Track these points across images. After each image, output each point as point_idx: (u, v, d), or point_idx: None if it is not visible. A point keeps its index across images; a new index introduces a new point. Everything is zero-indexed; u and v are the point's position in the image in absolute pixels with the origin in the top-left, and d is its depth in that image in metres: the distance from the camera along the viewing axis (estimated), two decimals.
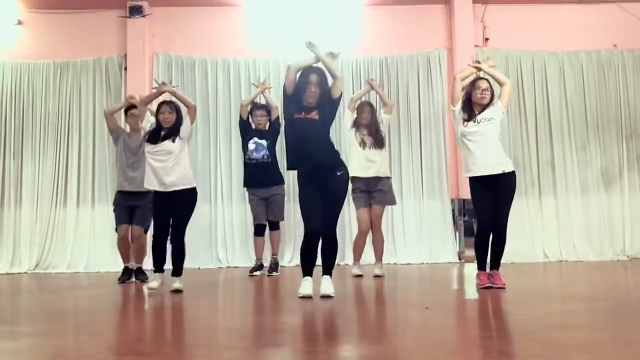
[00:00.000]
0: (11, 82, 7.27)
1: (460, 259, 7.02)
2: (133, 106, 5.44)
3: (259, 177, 5.64)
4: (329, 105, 3.88)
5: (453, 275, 5.81)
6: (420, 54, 7.43)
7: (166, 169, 4.25)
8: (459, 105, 4.30)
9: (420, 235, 7.15)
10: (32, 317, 3.49)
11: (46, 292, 4.90)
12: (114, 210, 5.54)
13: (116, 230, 5.57)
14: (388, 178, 5.50)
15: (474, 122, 4.23)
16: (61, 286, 5.41)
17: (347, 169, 3.96)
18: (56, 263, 6.96)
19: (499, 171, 4.21)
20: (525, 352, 2.25)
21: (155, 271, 4.33)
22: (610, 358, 2.14)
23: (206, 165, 7.16)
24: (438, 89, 7.38)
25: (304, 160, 3.79)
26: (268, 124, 5.78)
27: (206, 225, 7.06)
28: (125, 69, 7.26)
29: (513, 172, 4.32)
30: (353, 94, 6.49)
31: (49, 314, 3.54)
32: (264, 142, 5.67)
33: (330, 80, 3.91)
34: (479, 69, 4.36)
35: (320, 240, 3.73)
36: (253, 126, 5.78)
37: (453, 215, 7.20)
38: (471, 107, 4.26)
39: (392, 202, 5.57)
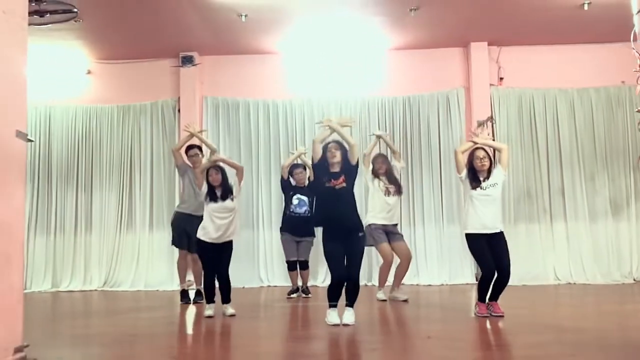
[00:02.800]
0: (82, 123, 8.40)
1: (476, 280, 7.73)
2: (192, 147, 6.37)
3: (298, 228, 6.48)
4: (350, 171, 4.65)
5: (465, 300, 6.53)
6: (440, 93, 8.19)
7: (227, 224, 5.13)
8: (464, 173, 5.00)
9: (440, 258, 7.92)
10: (115, 340, 4.43)
11: (123, 314, 5.91)
12: (173, 231, 6.33)
13: (173, 244, 6.41)
14: (396, 224, 6.18)
15: (482, 189, 4.92)
16: (131, 307, 6.41)
17: (364, 230, 4.70)
18: (121, 281, 8.04)
19: (496, 230, 4.92)
20: None
21: (207, 302, 5.25)
22: None
23: (250, 195, 8.11)
24: (456, 125, 8.12)
25: (332, 222, 4.53)
26: (307, 181, 6.55)
27: (249, 249, 8.02)
28: (179, 111, 8.28)
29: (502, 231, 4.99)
30: (379, 129, 7.28)
31: (128, 336, 4.49)
32: (305, 199, 6.49)
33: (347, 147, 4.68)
34: (475, 142, 5.06)
35: (346, 283, 4.52)
36: (294, 183, 6.62)
37: None
38: (475, 174, 4.98)
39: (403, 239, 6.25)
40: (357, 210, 4.63)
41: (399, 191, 6.13)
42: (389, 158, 6.38)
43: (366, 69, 8.30)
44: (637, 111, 3.61)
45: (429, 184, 8.08)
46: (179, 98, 8.31)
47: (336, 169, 4.59)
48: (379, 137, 6.40)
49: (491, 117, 7.75)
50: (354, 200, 4.63)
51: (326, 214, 4.59)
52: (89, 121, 8.40)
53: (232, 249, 5.26)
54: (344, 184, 4.54)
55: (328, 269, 4.73)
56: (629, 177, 7.91)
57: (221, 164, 5.31)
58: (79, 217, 8.23)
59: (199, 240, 5.18)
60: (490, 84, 8.12)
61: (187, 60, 8.23)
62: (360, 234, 4.60)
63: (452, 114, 8.15)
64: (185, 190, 6.48)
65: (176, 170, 6.83)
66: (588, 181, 7.93)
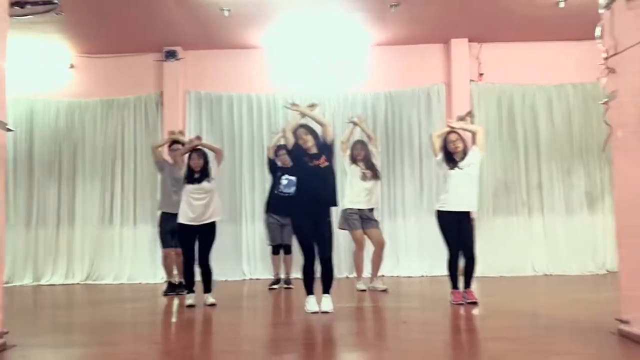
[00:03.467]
0: (65, 118, 8.39)
1: None
2: (175, 142, 6.48)
3: (285, 209, 6.54)
4: (327, 150, 4.78)
5: (443, 290, 6.65)
6: (421, 89, 8.32)
7: (204, 205, 5.22)
8: (440, 156, 5.20)
9: (420, 250, 8.05)
10: (97, 329, 4.49)
11: (105, 304, 5.95)
12: (160, 232, 6.47)
13: (162, 246, 6.56)
14: (372, 209, 6.30)
15: (459, 168, 5.09)
16: (113, 298, 6.46)
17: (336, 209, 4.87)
18: (104, 275, 8.05)
19: (469, 209, 5.09)
20: None
21: (188, 292, 5.32)
22: None
23: (232, 189, 8.16)
24: (437, 120, 8.23)
25: (311, 200, 4.68)
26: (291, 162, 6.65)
27: (233, 242, 8.07)
28: (162, 105, 8.30)
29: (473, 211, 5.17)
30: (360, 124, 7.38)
31: (111, 325, 4.54)
32: (294, 179, 6.55)
33: (320, 129, 4.81)
34: (452, 127, 5.23)
35: (320, 265, 4.65)
36: (280, 164, 6.72)
37: None
38: (450, 156, 5.15)
39: (379, 225, 6.40)
40: (336, 190, 4.77)
41: (375, 176, 6.25)
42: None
43: (349, 64, 8.40)
44: (601, 103, 3.74)
45: (409, 178, 8.21)
46: (162, 92, 8.33)
47: (314, 150, 4.70)
48: (355, 124, 6.49)
49: (471, 112, 7.89)
50: (335, 180, 4.77)
51: (308, 193, 4.67)
52: (71, 115, 8.40)
53: (214, 235, 5.31)
54: (327, 163, 4.67)
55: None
56: (604, 171, 8.08)
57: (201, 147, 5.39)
58: (62, 210, 8.22)
59: (179, 224, 5.25)
60: (471, 80, 8.26)
61: (171, 55, 8.27)
62: (329, 218, 4.71)
63: (432, 109, 8.27)
64: (163, 189, 6.56)
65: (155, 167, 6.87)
66: (565, 175, 8.11)
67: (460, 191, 5.06)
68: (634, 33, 3.44)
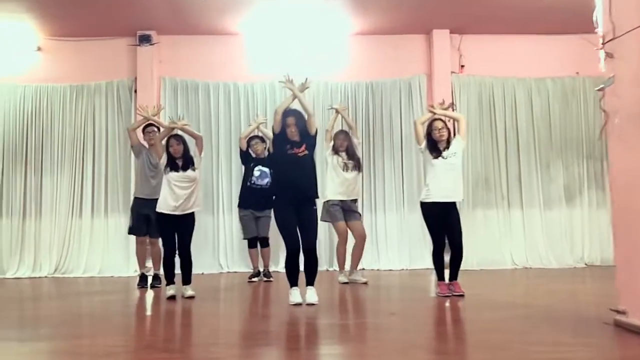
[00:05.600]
0: (32, 104, 7.98)
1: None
2: (150, 124, 6.22)
3: (258, 201, 6.32)
4: (310, 140, 4.62)
5: (425, 283, 6.60)
6: (402, 80, 8.21)
7: (187, 194, 4.97)
8: (424, 144, 5.07)
9: (400, 243, 7.95)
10: (67, 321, 4.24)
11: (74, 297, 5.65)
12: (132, 218, 6.17)
13: (129, 233, 6.27)
14: (355, 200, 6.18)
15: (443, 157, 4.97)
16: (84, 291, 6.16)
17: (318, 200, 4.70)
18: (73, 268, 7.70)
19: (455, 199, 4.98)
20: (458, 351, 3.05)
21: (168, 283, 5.09)
22: (516, 353, 2.95)
23: (209, 180, 7.90)
24: (418, 111, 8.12)
25: (290, 190, 4.50)
26: (266, 152, 6.40)
27: (209, 235, 7.83)
28: (135, 91, 7.98)
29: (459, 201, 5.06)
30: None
31: (82, 317, 4.30)
32: (267, 170, 6.30)
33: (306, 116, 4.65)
34: (434, 113, 5.12)
35: (303, 256, 4.49)
36: (254, 155, 6.50)
37: None
38: (435, 145, 5.03)
39: (361, 217, 6.27)
40: (316, 180, 4.62)
41: (357, 167, 6.12)
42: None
43: (329, 53, 8.22)
44: (597, 90, 3.66)
45: (390, 170, 8.09)
46: (135, 78, 8.01)
47: (296, 137, 4.54)
48: (336, 110, 6.35)
49: (452, 103, 7.83)
50: (315, 170, 4.62)
51: (286, 182, 4.51)
52: (39, 101, 8.00)
53: (193, 223, 5.10)
54: (306, 152, 4.51)
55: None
56: (582, 165, 8.14)
57: (180, 132, 5.15)
58: (28, 201, 7.83)
59: (158, 213, 5.01)
60: (452, 72, 8.20)
61: (145, 39, 7.95)
62: (314, 207, 4.56)
63: (413, 101, 8.17)
64: (139, 174, 6.26)
65: (131, 151, 6.58)
66: (544, 169, 8.12)
67: (445, 181, 4.94)
68: (632, 17, 3.36)
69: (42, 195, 7.83)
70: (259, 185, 6.37)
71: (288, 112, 4.63)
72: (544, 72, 8.24)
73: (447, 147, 5.02)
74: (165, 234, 5.07)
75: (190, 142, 5.30)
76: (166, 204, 4.99)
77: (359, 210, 6.44)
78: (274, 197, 4.71)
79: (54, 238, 7.79)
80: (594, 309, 4.15)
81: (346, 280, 6.08)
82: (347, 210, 6.05)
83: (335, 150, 6.13)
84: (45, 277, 7.60)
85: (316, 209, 4.65)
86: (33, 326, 3.99)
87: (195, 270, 7.22)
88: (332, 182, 6.05)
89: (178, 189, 4.97)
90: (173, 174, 4.98)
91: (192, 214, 5.06)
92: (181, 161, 5.02)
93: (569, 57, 8.22)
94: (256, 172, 6.37)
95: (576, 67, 8.22)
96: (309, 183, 4.54)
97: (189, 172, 5.01)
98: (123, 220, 7.59)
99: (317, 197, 4.67)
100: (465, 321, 3.94)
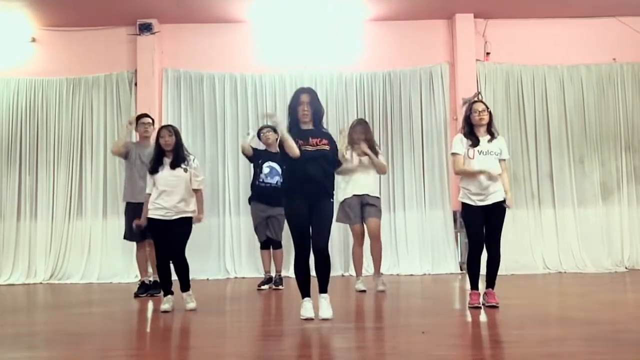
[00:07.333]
0: (26, 98, 7.52)
1: (461, 270, 7.19)
2: (143, 115, 5.73)
3: (268, 201, 5.73)
4: (332, 142, 4.06)
5: (453, 290, 5.99)
6: (423, 69, 7.60)
7: (177, 198, 4.42)
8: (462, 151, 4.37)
9: (422, 246, 7.34)
10: (50, 340, 3.71)
11: (63, 309, 5.12)
12: (126, 223, 5.66)
13: (125, 238, 5.75)
14: (378, 197, 5.55)
15: (480, 153, 4.32)
16: (77, 301, 5.61)
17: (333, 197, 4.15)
18: (70, 273, 7.22)
19: (494, 200, 4.34)
20: None
21: (165, 294, 4.53)
22: None
23: (214, 178, 7.37)
24: (440, 103, 7.55)
25: (305, 184, 3.93)
26: (277, 145, 5.84)
27: (214, 237, 7.29)
28: (135, 84, 7.48)
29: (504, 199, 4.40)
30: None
31: (68, 336, 3.76)
32: (277, 167, 5.71)
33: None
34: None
35: (314, 258, 3.90)
36: (263, 147, 5.93)
37: (455, 226, 7.37)
38: (472, 131, 4.38)
39: (380, 215, 5.61)
40: (333, 176, 4.05)
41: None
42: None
43: (343, 41, 7.64)
44: None
45: (410, 167, 7.49)
46: (136, 70, 7.50)
47: (308, 119, 3.97)
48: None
49: (478, 94, 7.22)
50: (331, 166, 4.04)
51: (302, 173, 3.91)
52: (33, 95, 7.54)
53: (189, 228, 4.51)
54: (328, 147, 3.94)
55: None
56: (620, 159, 7.49)
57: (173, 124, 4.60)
58: (22, 201, 7.37)
59: (149, 218, 4.46)
60: (476, 60, 7.58)
61: (145, 28, 7.43)
62: (331, 200, 3.99)
63: (435, 91, 7.57)
64: (128, 175, 5.66)
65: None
66: (577, 164, 7.49)
67: (485, 179, 4.27)
68: None
69: (37, 196, 7.38)
70: (269, 184, 5.79)
71: (301, 89, 4.06)
72: (577, 58, 7.60)
73: (489, 138, 4.36)
74: (157, 241, 4.51)
75: (185, 140, 4.74)
76: (155, 208, 4.43)
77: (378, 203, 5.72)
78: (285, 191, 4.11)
79: (49, 241, 7.31)
80: None
81: (364, 288, 5.49)
82: (365, 204, 5.46)
83: (352, 144, 5.54)
84: (40, 283, 7.12)
85: (332, 203, 4.05)
86: (7, 347, 3.45)
87: (200, 275, 6.77)
88: (348, 178, 5.49)
89: (166, 192, 4.41)
90: (161, 173, 4.43)
91: (188, 218, 4.48)
92: (171, 156, 4.45)
93: (604, 41, 7.60)
94: (265, 169, 5.80)
95: (613, 53, 7.59)
96: (324, 177, 3.97)
97: (178, 170, 4.45)
98: (123, 222, 7.04)
99: (332, 194, 4.08)
100: (510, 342, 3.31)
